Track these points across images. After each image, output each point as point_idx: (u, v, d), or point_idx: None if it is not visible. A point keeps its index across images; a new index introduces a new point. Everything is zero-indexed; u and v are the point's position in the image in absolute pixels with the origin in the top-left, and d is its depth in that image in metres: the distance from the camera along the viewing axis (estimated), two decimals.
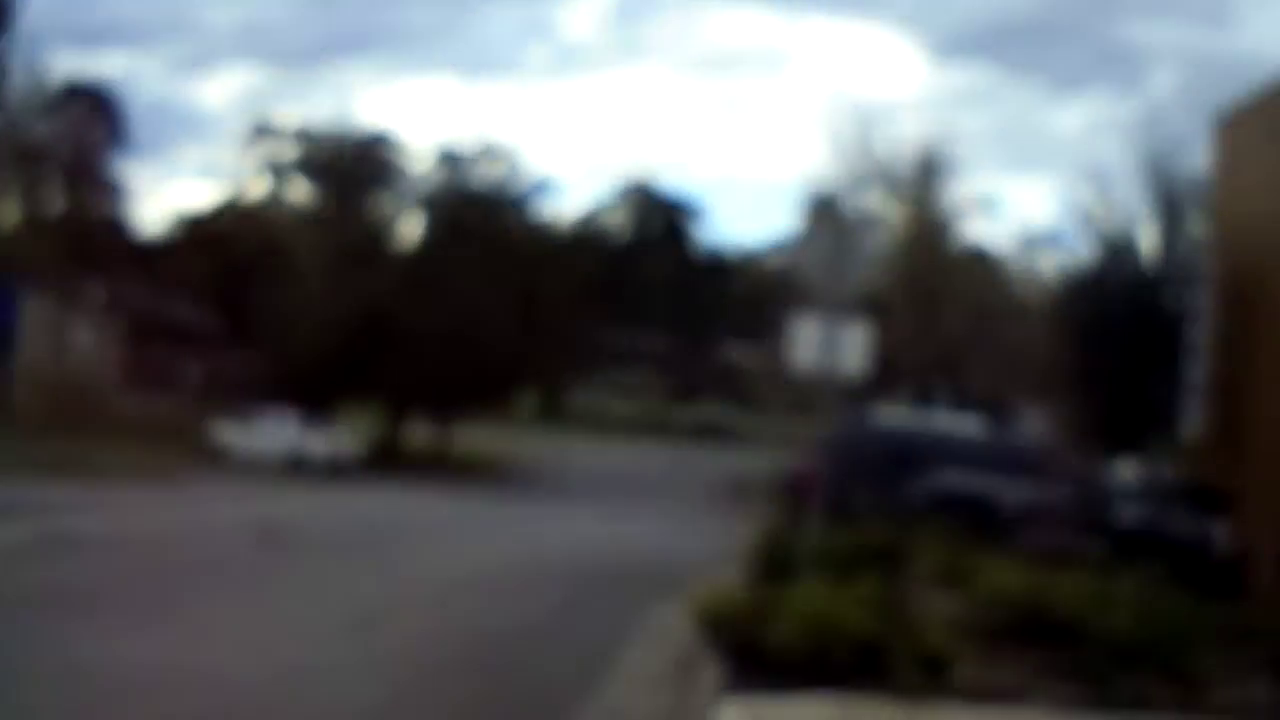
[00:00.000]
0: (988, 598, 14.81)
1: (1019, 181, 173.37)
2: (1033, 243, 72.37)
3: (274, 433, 54.14)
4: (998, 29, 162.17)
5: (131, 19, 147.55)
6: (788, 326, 16.73)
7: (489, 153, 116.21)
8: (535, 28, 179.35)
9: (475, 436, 75.51)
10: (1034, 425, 73.24)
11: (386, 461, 62.78)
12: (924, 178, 68.99)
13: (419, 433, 72.95)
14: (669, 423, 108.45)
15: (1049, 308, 64.99)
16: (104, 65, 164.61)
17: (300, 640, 12.05)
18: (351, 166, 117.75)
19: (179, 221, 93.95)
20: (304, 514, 27.46)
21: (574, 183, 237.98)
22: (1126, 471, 35.41)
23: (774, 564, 17.96)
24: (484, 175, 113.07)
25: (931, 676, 11.92)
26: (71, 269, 64.94)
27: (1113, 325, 49.08)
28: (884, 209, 70.58)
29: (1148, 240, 63.68)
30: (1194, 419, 35.74)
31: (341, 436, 57.68)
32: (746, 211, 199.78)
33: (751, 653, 11.89)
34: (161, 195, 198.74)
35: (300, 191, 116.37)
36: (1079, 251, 74.02)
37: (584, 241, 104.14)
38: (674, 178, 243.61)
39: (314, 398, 62.43)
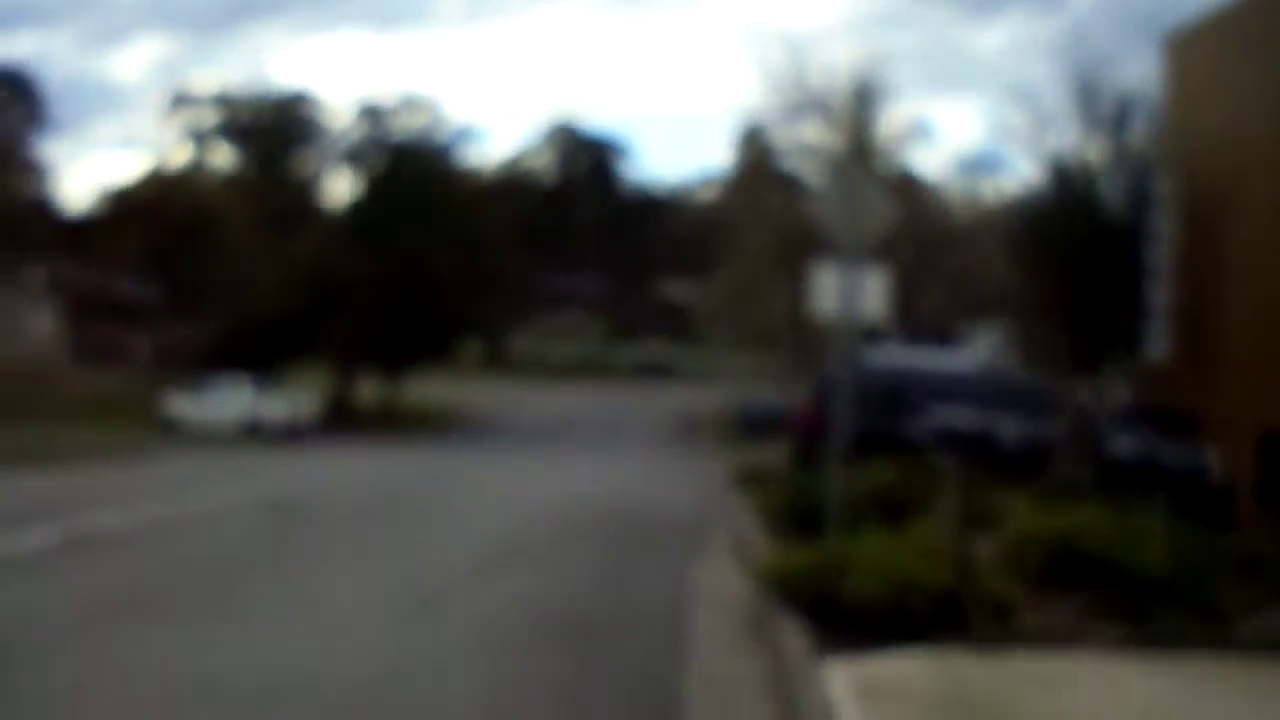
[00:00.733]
0: (1018, 539, 14.81)
1: (945, 105, 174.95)
2: (971, 167, 72.57)
3: (227, 400, 53.72)
4: None
5: None
6: (809, 275, 16.72)
7: (410, 104, 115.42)
8: None
9: (422, 389, 75.44)
10: (983, 352, 73.88)
11: (341, 421, 62.63)
12: (859, 105, 68.79)
13: (368, 389, 72.67)
14: (611, 363, 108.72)
15: (995, 232, 64.95)
16: (12, 46, 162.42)
17: (372, 624, 11.92)
18: (273, 127, 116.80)
19: (106, 196, 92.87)
20: (298, 485, 27.14)
21: (497, 128, 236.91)
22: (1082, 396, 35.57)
23: (799, 514, 17.94)
24: (406, 126, 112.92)
25: (1001, 624, 11.96)
26: (5, 252, 64.39)
27: (1063, 247, 49.06)
28: (819, 138, 70.59)
29: (1089, 159, 63.87)
30: (1157, 343, 35.77)
31: (297, 399, 57.22)
32: (673, 147, 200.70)
33: (828, 611, 11.86)
34: (83, 171, 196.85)
35: (224, 156, 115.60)
36: (1017, 174, 74.64)
37: (513, 186, 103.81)
38: (598, 117, 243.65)
39: (262, 362, 62.07)
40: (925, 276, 62.89)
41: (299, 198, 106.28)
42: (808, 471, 21.44)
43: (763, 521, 20.47)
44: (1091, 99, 75.37)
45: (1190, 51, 35.75)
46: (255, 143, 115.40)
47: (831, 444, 16.15)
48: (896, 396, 22.39)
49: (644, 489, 32.83)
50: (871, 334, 49.73)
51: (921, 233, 66.16)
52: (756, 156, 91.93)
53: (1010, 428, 21.86)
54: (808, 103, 69.30)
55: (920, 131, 73.15)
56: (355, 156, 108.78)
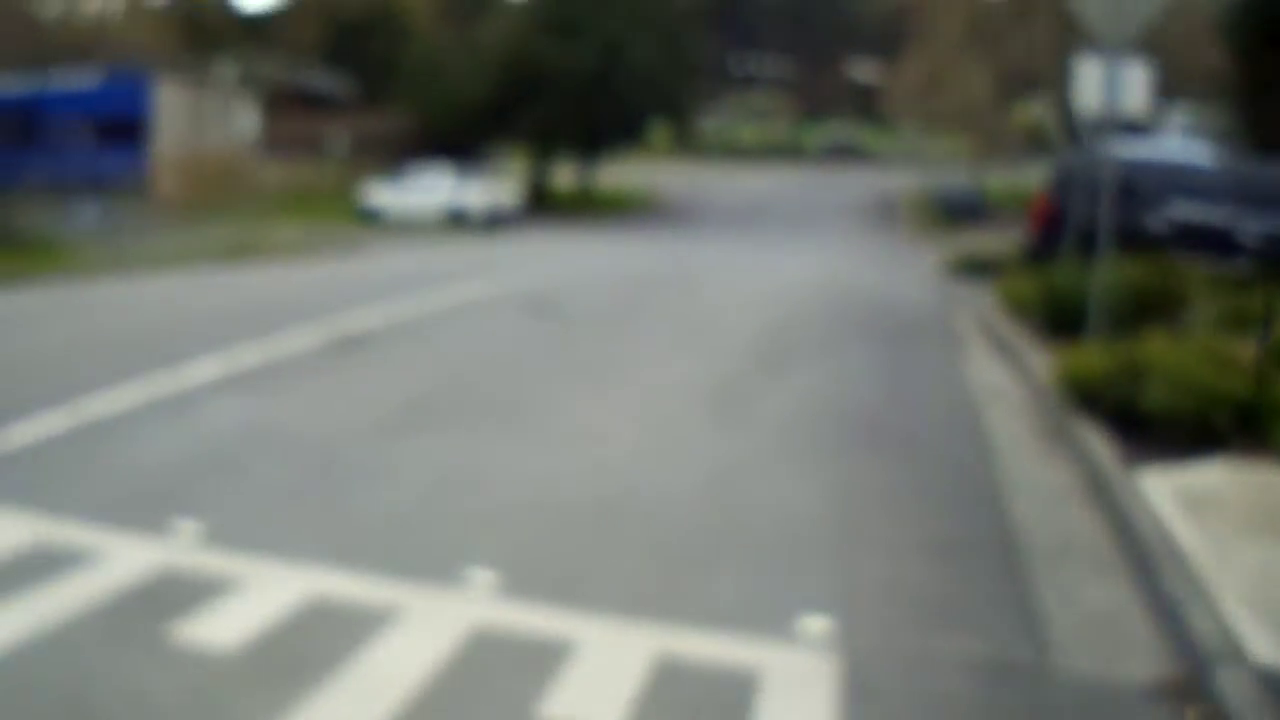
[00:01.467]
0: None
1: None
2: None
3: (429, 189, 53.51)
4: None
5: None
6: (1073, 70, 16.44)
7: None
8: None
9: (614, 173, 75.20)
10: (1178, 133, 72.10)
11: (540, 207, 62.60)
12: None
13: (562, 174, 72.50)
14: (800, 146, 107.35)
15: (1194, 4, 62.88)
16: None
17: (678, 427, 11.75)
18: None
19: None
20: (533, 276, 26.68)
21: None
22: None
23: (1055, 310, 17.56)
24: None
25: None
26: (192, 48, 64.89)
27: None
28: None
29: None
30: None
31: (498, 186, 57.01)
32: None
33: (1128, 418, 11.59)
34: None
35: None
36: None
37: None
38: None
39: (457, 150, 62.10)
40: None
41: None
42: (1043, 263, 21.09)
43: (1008, 315, 20.11)
44: None
45: None
46: None
47: (1099, 239, 15.78)
48: (1134, 190, 21.70)
49: (869, 277, 32.32)
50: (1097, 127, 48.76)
51: None
52: None
53: (1253, 223, 21.15)
54: None
55: None
56: None
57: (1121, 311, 15.75)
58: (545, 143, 67.49)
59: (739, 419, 11.92)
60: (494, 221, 52.33)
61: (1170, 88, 64.18)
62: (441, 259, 33.91)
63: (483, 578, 7.39)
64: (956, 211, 62.44)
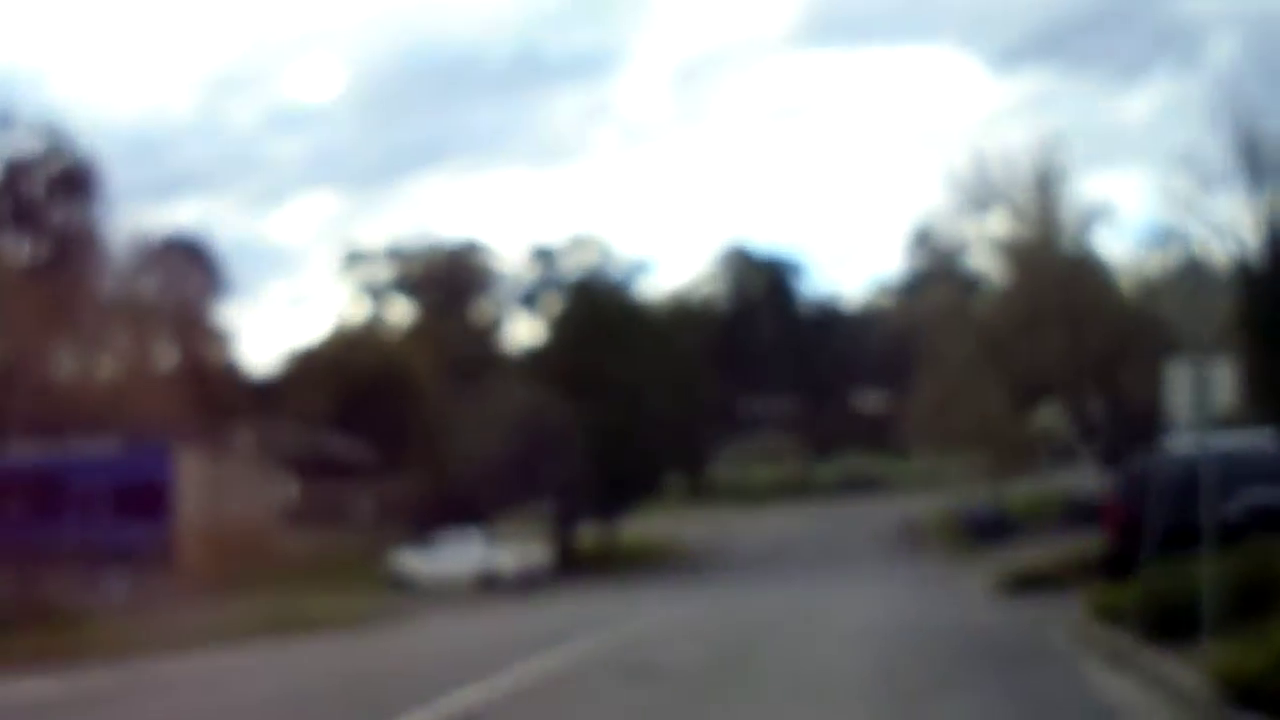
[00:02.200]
0: None
1: (1101, 178, 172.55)
2: (1162, 240, 71.40)
3: (459, 554, 53.17)
4: (1049, 31, 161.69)
5: (199, 164, 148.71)
6: (1165, 375, 17.14)
7: (579, 242, 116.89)
8: (597, 110, 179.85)
9: (633, 526, 74.81)
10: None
11: (567, 567, 61.97)
12: (1042, 191, 68.18)
13: (585, 531, 72.10)
14: (813, 482, 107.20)
15: (1199, 304, 63.60)
16: (179, 214, 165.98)
17: None
18: (447, 277, 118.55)
19: (292, 356, 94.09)
20: (610, 638, 25.65)
21: (663, 257, 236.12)
22: None
23: (1162, 614, 17.04)
24: (579, 265, 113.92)
25: None
26: (202, 417, 65.03)
27: None
28: (1004, 229, 70.11)
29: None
30: None
31: (528, 549, 56.79)
32: (841, 256, 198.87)
33: None
34: (256, 332, 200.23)
35: (400, 309, 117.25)
36: (1195, 240, 73.59)
37: (696, 314, 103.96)
38: (762, 234, 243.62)
39: (478, 512, 61.88)
40: (1122, 356, 62.00)
41: (483, 344, 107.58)
42: (1127, 570, 20.74)
43: (1102, 624, 19.58)
44: (1255, 154, 74.60)
45: None
46: (431, 294, 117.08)
47: (1204, 535, 15.53)
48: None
49: (929, 607, 31.87)
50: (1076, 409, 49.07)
51: (1113, 314, 65.38)
52: (941, 260, 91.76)
53: None
54: (990, 195, 69.05)
55: (1103, 212, 72.19)
56: (533, 299, 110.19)
57: (1233, 606, 15.42)
58: (567, 499, 67.30)
59: None
60: (528, 584, 51.83)
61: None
62: (498, 626, 33.26)
63: None
64: (983, 531, 62.30)
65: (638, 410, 63.07)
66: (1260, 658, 11.91)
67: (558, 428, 62.02)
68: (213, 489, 55.77)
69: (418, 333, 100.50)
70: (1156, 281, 67.84)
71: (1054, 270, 65.82)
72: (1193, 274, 16.04)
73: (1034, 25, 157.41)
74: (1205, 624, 15.41)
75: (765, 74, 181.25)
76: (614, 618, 29.46)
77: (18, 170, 65.22)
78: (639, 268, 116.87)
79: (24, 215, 64.98)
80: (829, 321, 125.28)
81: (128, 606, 37.36)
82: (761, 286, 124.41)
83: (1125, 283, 69.26)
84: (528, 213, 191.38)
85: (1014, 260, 68.21)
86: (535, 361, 74.98)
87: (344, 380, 79.61)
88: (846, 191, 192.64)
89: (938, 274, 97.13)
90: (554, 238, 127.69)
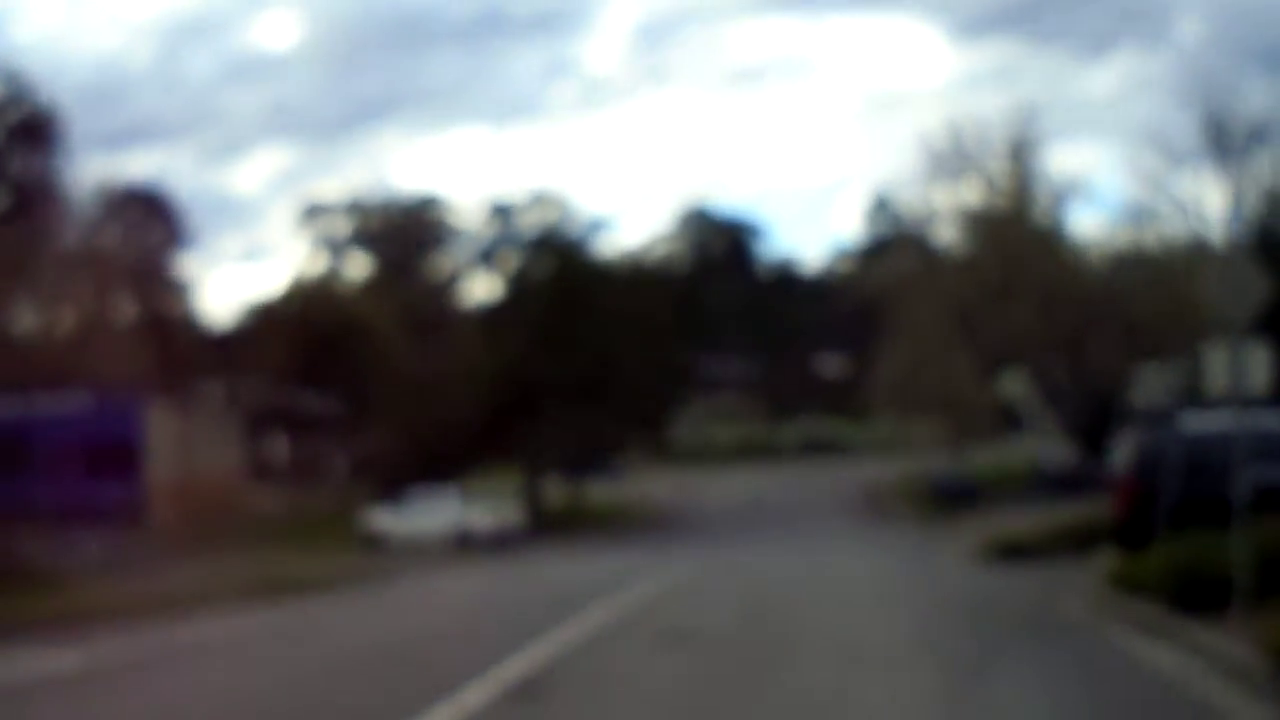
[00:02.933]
0: None
1: (1065, 153, 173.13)
2: (1137, 215, 71.76)
3: (433, 512, 52.93)
4: (1013, 4, 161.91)
5: (157, 114, 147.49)
6: (1203, 356, 17.54)
7: (539, 199, 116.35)
8: (559, 67, 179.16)
9: (599, 487, 74.76)
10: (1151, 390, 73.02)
11: (540, 527, 61.81)
12: (1017, 162, 68.47)
13: (554, 490, 72.05)
14: (775, 444, 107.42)
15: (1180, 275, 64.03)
16: (135, 164, 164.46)
17: None
18: (405, 232, 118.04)
19: (251, 310, 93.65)
20: (634, 604, 25.25)
21: (622, 216, 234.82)
22: None
23: (1198, 587, 17.14)
24: (538, 222, 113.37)
25: None
26: (171, 373, 64.60)
27: None
28: (976, 198, 70.37)
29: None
30: None
31: (502, 507, 56.64)
32: (799, 220, 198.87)
33: None
34: (214, 285, 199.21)
35: (358, 264, 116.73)
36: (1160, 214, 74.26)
37: (658, 274, 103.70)
38: (721, 196, 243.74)
39: (449, 470, 61.66)
40: (1092, 323, 62.37)
41: (440, 300, 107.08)
42: (1142, 541, 20.93)
43: (1125, 596, 19.70)
44: (1222, 132, 75.38)
45: None
46: (389, 248, 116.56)
47: (1234, 508, 15.78)
48: (1218, 459, 21.67)
49: (916, 570, 31.98)
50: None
51: (1084, 287, 65.75)
52: (902, 226, 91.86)
53: None
54: (964, 164, 69.28)
55: (1076, 186, 72.67)
56: (492, 256, 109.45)
57: (1260, 579, 15.65)
58: (539, 459, 67.23)
59: None
60: (501, 543, 51.66)
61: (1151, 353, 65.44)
62: (497, 587, 32.98)
63: None
64: (950, 497, 62.52)
65: (608, 369, 62.98)
66: None
67: (528, 385, 61.96)
68: (183, 446, 55.27)
69: (376, 287, 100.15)
70: (1128, 256, 68.41)
71: (1026, 241, 66.23)
72: (1231, 256, 16.10)
73: None
74: (1237, 596, 15.59)
75: (727, 37, 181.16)
76: (612, 581, 29.24)
77: None
78: (598, 225, 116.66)
79: None
80: (788, 284, 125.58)
81: (104, 568, 36.77)
82: (721, 247, 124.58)
83: (1096, 256, 69.63)
84: (487, 169, 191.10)
85: (985, 229, 68.46)
86: (501, 318, 74.52)
87: (304, 334, 79.30)
88: (806, 156, 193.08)
89: (898, 241, 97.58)
90: (513, 194, 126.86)
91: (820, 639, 17.91)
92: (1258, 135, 78.85)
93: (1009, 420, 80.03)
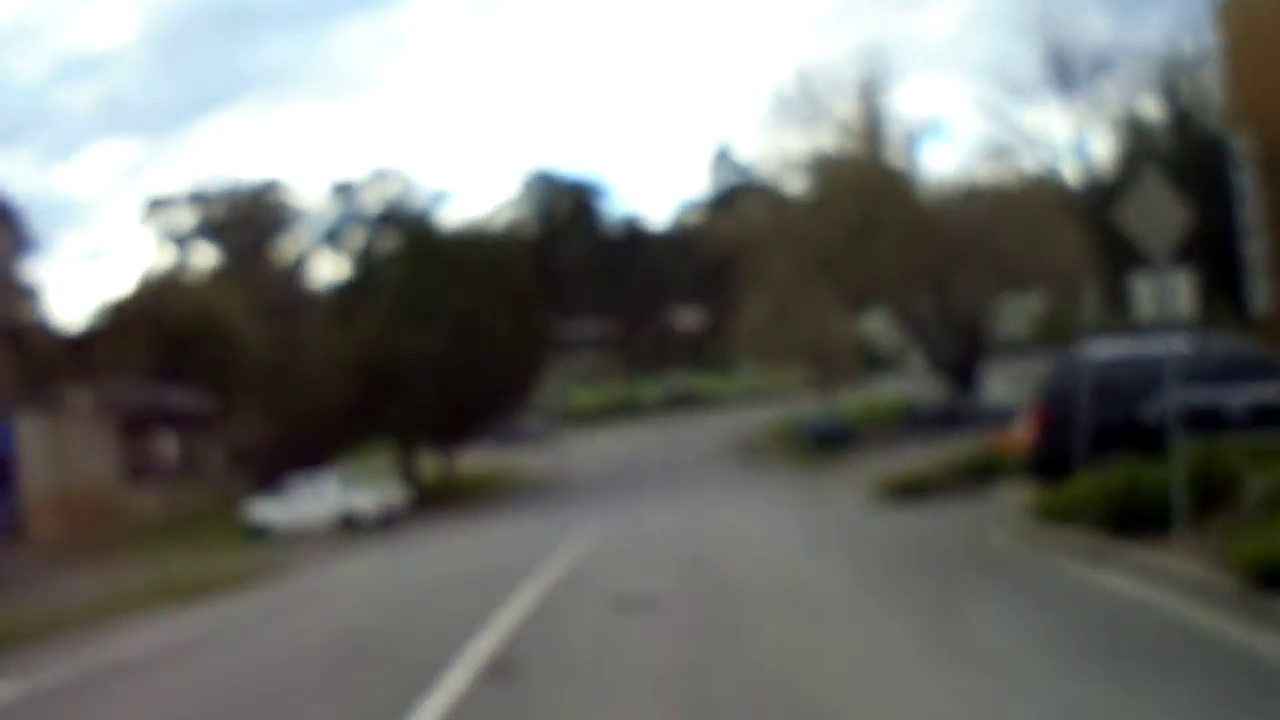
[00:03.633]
0: None
1: (910, 92, 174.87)
2: (992, 151, 72.86)
3: (315, 499, 52.94)
4: None
5: None
6: (1129, 285, 17.83)
7: (380, 176, 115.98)
8: (389, 40, 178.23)
9: (465, 458, 74.42)
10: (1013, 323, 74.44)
11: (420, 503, 61.49)
12: (867, 103, 69.16)
13: (425, 465, 71.70)
14: (637, 402, 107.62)
15: (1051, 206, 65.19)
16: None
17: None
18: (250, 218, 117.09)
19: (101, 311, 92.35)
20: (566, 571, 24.97)
21: (465, 187, 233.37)
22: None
23: (1134, 511, 17.44)
24: (381, 198, 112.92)
25: None
26: (30, 381, 63.57)
27: None
28: (830, 142, 70.99)
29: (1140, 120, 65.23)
30: (1259, 296, 36.46)
31: (386, 488, 56.57)
32: (642, 181, 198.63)
33: None
34: (59, 289, 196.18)
35: (205, 255, 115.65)
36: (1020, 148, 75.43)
37: (512, 238, 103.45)
38: (566, 161, 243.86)
39: (318, 454, 61.29)
40: (953, 259, 63.25)
41: (289, 284, 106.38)
42: (1060, 471, 21.32)
43: (1049, 525, 20.01)
44: (1064, 63, 76.63)
45: (1248, 11, 36.48)
46: (236, 236, 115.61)
47: (1170, 429, 16.22)
48: (1123, 385, 22.18)
49: (820, 513, 32.30)
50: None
51: (952, 219, 66.62)
52: (747, 176, 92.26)
53: (1237, 396, 21.68)
54: (816, 109, 69.85)
55: (930, 125, 73.73)
56: (336, 235, 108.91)
57: (1201, 497, 16.11)
58: (411, 434, 66.94)
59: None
60: (386, 522, 51.70)
61: (1017, 282, 66.66)
62: (409, 567, 32.51)
63: None
64: (825, 441, 63.11)
65: (473, 338, 62.80)
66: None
67: (392, 361, 61.66)
68: (55, 454, 54.24)
69: (225, 276, 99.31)
70: (984, 191, 69.40)
71: (882, 180, 66.95)
72: (1149, 184, 16.26)
73: None
74: (1176, 517, 15.95)
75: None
76: (524, 554, 29.13)
77: None
78: (441, 197, 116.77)
79: None
80: (637, 241, 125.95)
81: None
82: (566, 209, 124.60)
83: (952, 192, 70.43)
84: (327, 149, 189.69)
85: (841, 172, 69.04)
86: (354, 296, 73.96)
87: (158, 330, 78.40)
88: (645, 113, 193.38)
89: (746, 190, 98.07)
90: (354, 172, 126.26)
91: (771, 593, 17.88)
92: (1100, 64, 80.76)
93: (871, 361, 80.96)
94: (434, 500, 60.70)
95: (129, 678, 17.92)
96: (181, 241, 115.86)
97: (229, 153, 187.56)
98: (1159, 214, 16.64)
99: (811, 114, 69.20)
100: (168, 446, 62.53)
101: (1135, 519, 17.03)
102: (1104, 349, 23.74)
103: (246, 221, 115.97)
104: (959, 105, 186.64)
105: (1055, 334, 71.74)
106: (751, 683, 11.81)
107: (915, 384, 73.08)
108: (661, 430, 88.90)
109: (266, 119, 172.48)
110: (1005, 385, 68.81)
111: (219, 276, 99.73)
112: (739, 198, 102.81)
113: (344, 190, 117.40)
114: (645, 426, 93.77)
